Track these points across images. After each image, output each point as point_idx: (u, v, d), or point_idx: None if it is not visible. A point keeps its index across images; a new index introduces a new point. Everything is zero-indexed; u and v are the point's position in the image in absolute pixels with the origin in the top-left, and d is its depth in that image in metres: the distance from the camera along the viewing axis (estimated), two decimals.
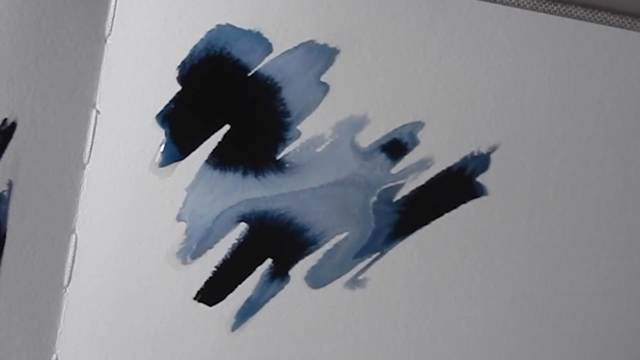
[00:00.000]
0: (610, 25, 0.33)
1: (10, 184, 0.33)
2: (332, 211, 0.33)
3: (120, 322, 0.34)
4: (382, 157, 0.33)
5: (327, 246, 0.33)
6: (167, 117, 0.34)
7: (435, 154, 0.33)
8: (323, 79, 0.33)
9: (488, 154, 0.33)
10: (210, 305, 0.34)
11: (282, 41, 0.33)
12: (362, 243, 0.33)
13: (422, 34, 0.33)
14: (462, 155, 0.33)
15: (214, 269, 0.34)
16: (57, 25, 0.33)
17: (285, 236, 0.34)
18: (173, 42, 0.34)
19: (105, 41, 0.34)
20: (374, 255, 0.33)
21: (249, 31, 0.34)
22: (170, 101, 0.34)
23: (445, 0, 0.33)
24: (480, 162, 0.33)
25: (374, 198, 0.33)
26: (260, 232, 0.34)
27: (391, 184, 0.33)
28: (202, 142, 0.34)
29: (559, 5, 0.33)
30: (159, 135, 0.34)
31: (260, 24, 0.33)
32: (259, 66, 0.34)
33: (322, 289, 0.34)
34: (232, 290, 0.34)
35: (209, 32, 0.34)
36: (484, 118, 0.33)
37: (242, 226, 0.34)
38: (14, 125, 0.33)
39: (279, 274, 0.34)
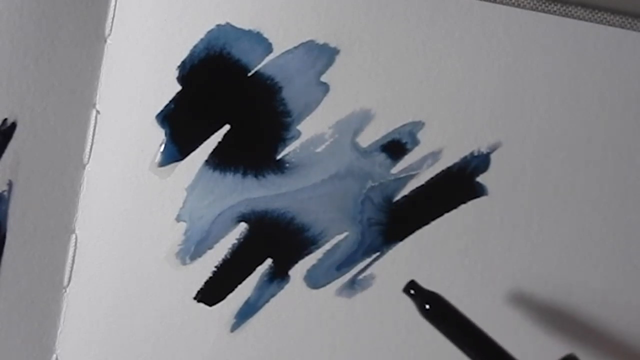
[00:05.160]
0: (610, 25, 0.33)
1: (10, 184, 0.33)
2: (331, 210, 0.33)
3: (120, 322, 0.34)
4: (382, 156, 0.33)
5: (327, 246, 0.33)
6: (167, 117, 0.34)
7: (435, 154, 0.33)
8: (323, 78, 0.33)
9: (488, 153, 0.33)
10: (210, 305, 0.34)
11: (282, 41, 0.33)
12: (362, 243, 0.33)
13: (422, 34, 0.33)
14: (462, 155, 0.33)
15: (214, 269, 0.34)
16: (57, 25, 0.33)
17: (285, 236, 0.34)
18: (173, 42, 0.34)
19: (105, 41, 0.34)
20: (374, 255, 0.33)
21: (249, 31, 0.34)
22: (170, 101, 0.34)
23: (445, 0, 0.33)
24: (480, 161, 0.33)
25: (374, 197, 0.33)
26: (260, 232, 0.34)
27: (391, 184, 0.33)
28: (202, 142, 0.34)
29: (559, 5, 0.33)
30: (159, 135, 0.34)
31: (260, 24, 0.33)
32: (259, 66, 0.34)
33: (321, 289, 0.33)
34: (232, 290, 0.34)
35: (209, 32, 0.34)
36: (484, 118, 0.33)
37: (242, 226, 0.34)
38: (14, 125, 0.33)
39: (278, 274, 0.34)
